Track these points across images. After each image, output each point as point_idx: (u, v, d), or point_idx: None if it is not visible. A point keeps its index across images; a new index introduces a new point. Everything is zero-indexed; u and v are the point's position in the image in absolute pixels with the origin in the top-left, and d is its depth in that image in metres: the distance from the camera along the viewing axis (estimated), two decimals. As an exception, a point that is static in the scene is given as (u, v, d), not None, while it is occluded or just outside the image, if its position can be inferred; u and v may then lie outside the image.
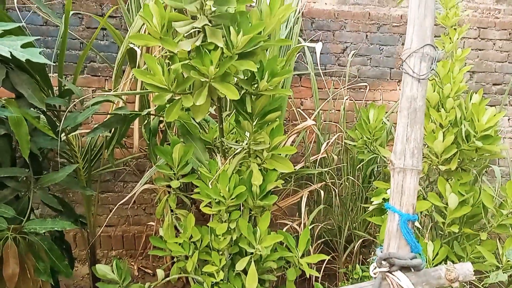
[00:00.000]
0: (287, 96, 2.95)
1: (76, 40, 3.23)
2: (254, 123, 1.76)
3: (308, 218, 2.80)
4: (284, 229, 2.74)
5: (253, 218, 1.89)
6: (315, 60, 3.63)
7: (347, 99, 3.27)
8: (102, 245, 3.58)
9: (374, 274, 1.21)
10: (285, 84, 2.97)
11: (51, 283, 1.65)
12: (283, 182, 2.80)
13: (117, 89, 2.43)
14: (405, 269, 1.20)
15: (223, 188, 1.67)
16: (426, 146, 2.17)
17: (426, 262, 2.04)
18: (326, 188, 3.00)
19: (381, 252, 1.23)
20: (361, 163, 2.92)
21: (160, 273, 1.84)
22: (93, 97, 2.07)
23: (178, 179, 1.96)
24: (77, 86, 3.38)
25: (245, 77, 1.62)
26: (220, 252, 1.81)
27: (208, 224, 1.78)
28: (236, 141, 2.07)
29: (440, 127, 2.14)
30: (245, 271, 1.79)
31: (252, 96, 1.67)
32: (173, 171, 1.97)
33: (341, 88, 3.42)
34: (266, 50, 2.28)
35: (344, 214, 3.02)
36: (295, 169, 2.95)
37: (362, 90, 3.77)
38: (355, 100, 3.67)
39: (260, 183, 1.73)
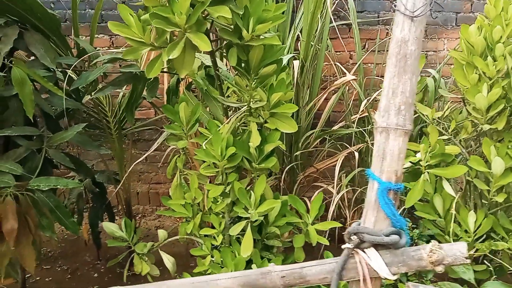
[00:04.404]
0: (323, 48, 2.71)
1: (112, -1, 3.23)
2: (254, 78, 1.60)
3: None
4: (317, 192, 2.60)
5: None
6: (361, 7, 3.28)
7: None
8: (152, 202, 3.72)
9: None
10: (322, 35, 2.71)
11: (55, 238, 1.72)
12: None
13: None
14: (382, 246, 1.01)
15: (215, 149, 1.57)
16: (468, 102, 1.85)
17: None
18: (369, 149, 2.75)
19: (359, 225, 1.05)
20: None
21: (161, 233, 1.83)
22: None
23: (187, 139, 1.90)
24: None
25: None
26: (220, 215, 1.73)
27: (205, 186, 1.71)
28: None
29: (487, 79, 1.79)
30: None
31: (246, 48, 1.51)
32: (183, 130, 1.91)
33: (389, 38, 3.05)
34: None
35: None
36: (332, 128, 2.75)
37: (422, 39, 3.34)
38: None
39: (257, 144, 1.60)
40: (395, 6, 1.06)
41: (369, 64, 3.18)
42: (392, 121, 1.02)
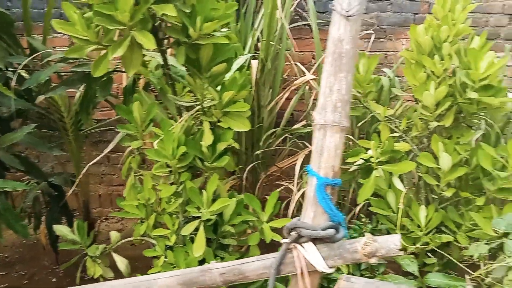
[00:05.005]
0: (283, 48, 2.73)
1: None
2: (205, 77, 1.60)
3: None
4: (278, 190, 2.62)
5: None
6: (323, 8, 3.33)
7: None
8: (114, 204, 3.65)
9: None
10: (282, 36, 2.73)
11: (1, 242, 1.67)
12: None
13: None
14: (320, 240, 1.03)
15: (167, 148, 1.56)
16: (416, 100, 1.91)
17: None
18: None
19: (298, 220, 1.07)
20: (364, 121, 2.66)
21: (113, 235, 1.80)
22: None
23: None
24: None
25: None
26: (174, 215, 1.72)
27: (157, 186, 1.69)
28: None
29: (434, 77, 1.84)
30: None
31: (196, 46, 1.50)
32: (138, 130, 1.89)
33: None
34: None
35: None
36: (293, 127, 2.78)
37: (381, 40, 3.43)
38: (374, 51, 3.33)
39: (209, 143, 1.60)
40: (332, 6, 1.08)
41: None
42: (329, 118, 1.04)
